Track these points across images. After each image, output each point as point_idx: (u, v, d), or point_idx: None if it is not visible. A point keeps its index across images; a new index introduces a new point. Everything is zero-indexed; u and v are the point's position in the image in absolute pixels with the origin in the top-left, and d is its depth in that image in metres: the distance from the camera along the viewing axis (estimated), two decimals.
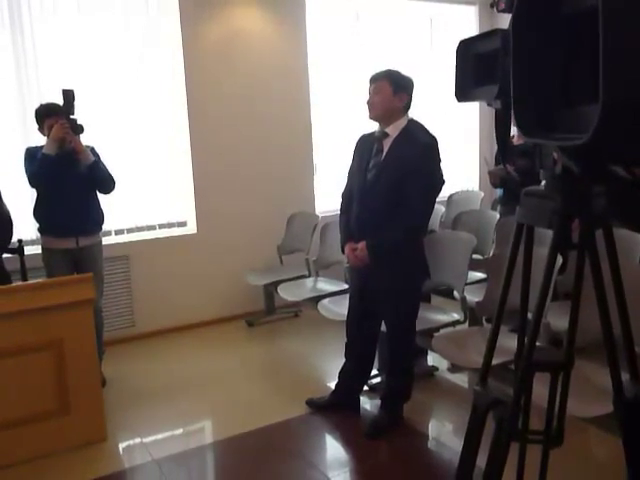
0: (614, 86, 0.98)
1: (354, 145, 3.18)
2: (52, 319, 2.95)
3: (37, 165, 3.45)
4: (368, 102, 2.97)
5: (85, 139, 3.57)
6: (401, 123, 2.96)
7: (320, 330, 4.52)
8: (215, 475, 3.02)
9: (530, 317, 1.51)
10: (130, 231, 4.71)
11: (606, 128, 1.00)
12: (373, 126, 3.08)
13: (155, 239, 4.77)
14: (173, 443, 3.17)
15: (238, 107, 4.94)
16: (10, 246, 3.61)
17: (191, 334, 4.75)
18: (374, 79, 2.97)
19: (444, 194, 4.64)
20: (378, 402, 3.27)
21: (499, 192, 4.58)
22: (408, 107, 2.99)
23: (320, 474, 2.81)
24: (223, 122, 4.90)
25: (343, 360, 3.36)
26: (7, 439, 2.89)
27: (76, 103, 3.44)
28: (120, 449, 3.14)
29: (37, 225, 3.69)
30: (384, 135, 2.98)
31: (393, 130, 2.96)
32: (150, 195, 4.73)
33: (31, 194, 3.70)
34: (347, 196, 3.17)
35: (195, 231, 4.91)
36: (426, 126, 3.00)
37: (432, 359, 3.86)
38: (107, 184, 3.65)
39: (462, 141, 6.29)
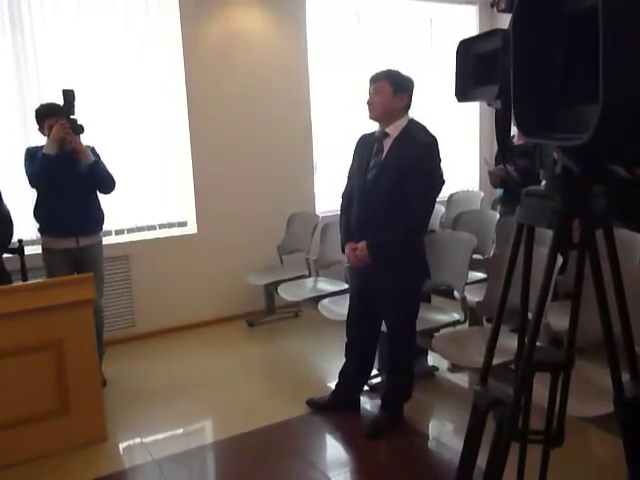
0: (614, 86, 0.98)
1: (354, 145, 3.18)
2: (52, 319, 2.95)
3: (37, 165, 3.45)
4: (368, 102, 2.97)
5: (85, 139, 3.57)
6: (401, 123, 2.96)
7: (320, 330, 4.52)
8: (215, 475, 3.02)
9: (530, 317, 1.51)
10: (130, 231, 4.71)
11: (606, 128, 1.00)
12: (373, 126, 3.08)
13: (155, 239, 4.77)
14: (173, 443, 3.17)
15: (238, 107, 4.94)
16: (10, 246, 3.61)
17: (191, 334, 4.76)
18: (374, 79, 2.97)
19: (444, 194, 4.64)
20: (378, 402, 3.27)
21: (499, 192, 4.57)
22: (408, 107, 2.99)
23: (320, 474, 2.81)
24: (223, 122, 4.90)
25: (343, 360, 3.36)
26: (7, 439, 2.89)
27: (76, 103, 3.44)
28: (120, 449, 3.14)
29: (37, 225, 3.69)
30: (384, 135, 2.98)
31: (393, 130, 2.96)
32: (150, 195, 4.73)
33: (31, 194, 3.70)
34: (347, 196, 3.17)
35: (195, 231, 4.91)
36: (426, 126, 3.00)
37: (432, 359, 3.86)
38: (107, 184, 3.65)
39: (462, 141, 6.29)
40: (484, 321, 3.55)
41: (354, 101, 4.72)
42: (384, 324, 3.18)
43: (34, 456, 2.92)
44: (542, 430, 1.68)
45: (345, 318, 3.35)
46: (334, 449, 3.16)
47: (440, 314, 3.59)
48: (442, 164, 2.98)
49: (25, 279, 3.66)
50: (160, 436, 3.24)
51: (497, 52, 1.38)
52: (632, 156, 1.16)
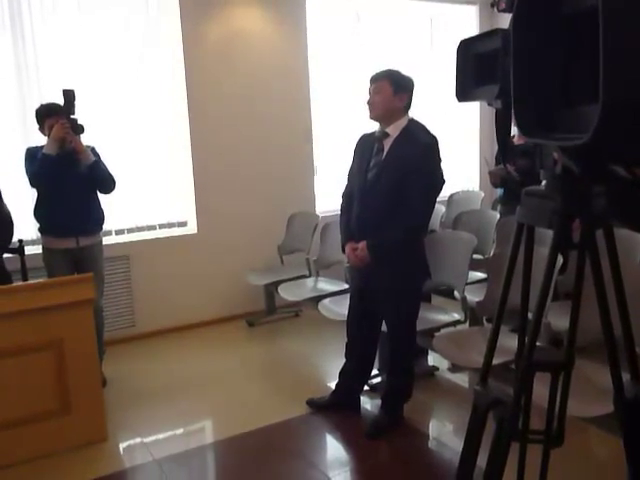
0: (614, 86, 0.98)
1: (354, 145, 3.18)
2: (52, 319, 2.95)
3: (37, 165, 3.45)
4: (368, 102, 2.97)
5: (85, 139, 3.57)
6: (401, 123, 2.96)
7: (320, 330, 4.52)
8: (216, 475, 3.02)
9: (530, 317, 1.51)
10: (130, 231, 4.71)
11: (606, 128, 1.00)
12: (373, 126, 3.08)
13: (155, 239, 4.77)
14: (174, 443, 3.17)
15: (238, 107, 4.94)
16: (11, 246, 3.61)
17: (192, 334, 4.76)
18: (374, 79, 2.97)
19: (444, 194, 4.63)
20: (378, 402, 3.27)
21: (499, 192, 4.57)
22: (408, 107, 2.99)
23: (320, 474, 2.81)
24: (223, 122, 4.90)
25: (344, 360, 3.36)
26: (7, 439, 2.89)
27: (76, 103, 3.44)
28: (121, 449, 3.14)
29: (37, 225, 3.69)
30: (384, 135, 2.98)
31: (393, 130, 2.96)
32: (150, 195, 4.73)
33: (32, 194, 3.70)
34: (347, 196, 3.17)
35: (195, 231, 4.91)
36: (426, 126, 3.00)
37: (432, 359, 3.86)
38: (107, 184, 3.65)
39: (462, 141, 6.29)
40: (484, 321, 3.55)
41: (354, 101, 4.72)
42: (384, 324, 3.18)
43: (34, 456, 2.92)
44: (542, 430, 1.68)
45: (345, 318, 3.35)
46: (334, 449, 3.16)
47: (440, 314, 3.59)
48: (442, 164, 2.98)
49: (25, 279, 3.66)
50: (160, 436, 3.24)
51: (497, 52, 1.38)
52: (632, 156, 1.16)
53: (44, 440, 2.97)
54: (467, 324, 3.47)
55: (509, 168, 3.02)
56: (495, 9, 1.50)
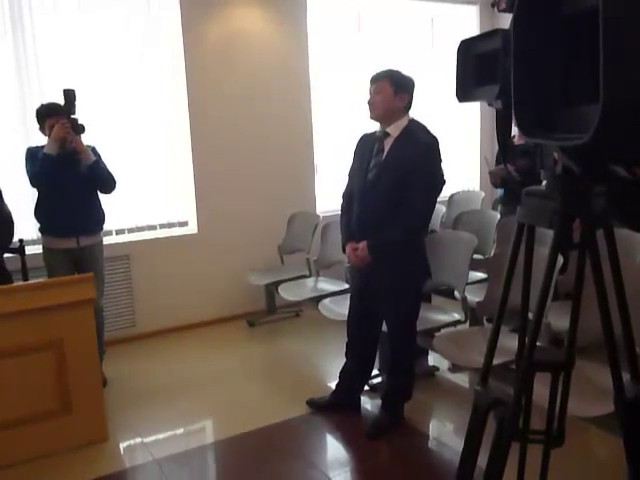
0: (614, 86, 0.98)
1: (355, 145, 3.18)
2: (53, 319, 2.95)
3: (38, 165, 3.45)
4: (369, 102, 2.97)
5: (86, 139, 3.57)
6: (402, 123, 2.96)
7: (321, 330, 4.52)
8: (216, 475, 3.02)
9: (531, 317, 1.51)
10: (131, 231, 4.71)
11: (606, 128, 1.00)
12: (374, 126, 3.08)
13: (156, 239, 4.78)
14: (174, 443, 3.17)
15: (239, 107, 4.95)
16: (11, 246, 3.61)
17: (192, 334, 4.76)
18: (375, 79, 2.97)
19: (445, 194, 4.64)
20: (379, 402, 3.27)
21: (500, 192, 4.57)
22: (409, 107, 2.99)
23: (321, 474, 2.81)
24: (224, 122, 4.90)
25: (344, 360, 3.36)
26: (8, 439, 2.89)
27: (77, 103, 3.44)
28: (121, 449, 3.14)
29: (38, 225, 3.69)
30: (385, 135, 2.98)
31: (394, 130, 2.96)
32: (151, 195, 4.73)
33: (32, 194, 3.71)
34: (348, 196, 3.17)
35: (196, 231, 4.91)
36: (427, 126, 3.00)
37: (433, 359, 3.86)
38: (108, 184, 3.65)
39: (463, 141, 6.29)
40: (485, 321, 3.54)
41: (355, 101, 4.72)
42: (385, 324, 3.18)
43: (34, 456, 2.93)
44: (543, 430, 1.68)
45: (346, 318, 3.35)
46: (334, 449, 3.16)
47: (441, 314, 3.59)
48: (443, 164, 2.98)
49: (26, 279, 3.66)
50: (161, 436, 3.24)
51: (498, 52, 1.38)
52: (632, 156, 1.16)
53: (44, 440, 2.97)
54: (467, 324, 3.47)
55: (509, 168, 3.02)
56: (495, 9, 1.50)
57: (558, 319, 2.82)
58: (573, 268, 1.53)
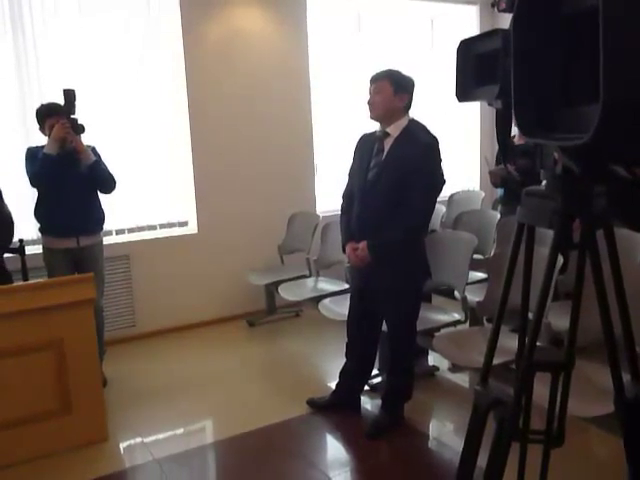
0: (614, 86, 0.98)
1: (355, 145, 3.18)
2: (53, 319, 2.95)
3: (38, 165, 3.45)
4: (369, 102, 2.97)
5: (86, 139, 3.57)
6: (402, 123, 2.96)
7: (321, 330, 4.52)
8: (216, 475, 3.02)
9: (531, 317, 1.51)
10: (131, 231, 4.71)
11: (606, 128, 1.00)
12: (374, 126, 3.08)
13: (156, 239, 4.78)
14: (174, 443, 3.17)
15: (239, 107, 4.95)
16: (11, 246, 3.61)
17: (192, 334, 4.76)
18: (375, 79, 2.97)
19: (445, 194, 4.64)
20: (379, 402, 3.27)
21: (500, 192, 4.57)
22: (409, 107, 2.99)
23: (321, 474, 2.81)
24: (224, 122, 4.90)
25: (344, 360, 3.36)
26: (8, 439, 2.89)
27: (77, 103, 3.44)
28: (121, 449, 3.14)
29: (38, 225, 3.69)
30: (385, 135, 2.98)
31: (394, 130, 2.96)
32: (151, 195, 4.73)
33: (32, 194, 3.71)
34: (348, 196, 3.17)
35: (196, 231, 4.91)
36: (427, 126, 3.00)
37: (433, 359, 3.86)
38: (108, 184, 3.65)
39: (463, 141, 6.29)
40: (485, 321, 3.54)
41: (355, 101, 4.73)
42: (385, 324, 3.18)
43: (35, 456, 2.93)
44: (543, 430, 1.68)
45: (346, 318, 3.35)
46: (334, 449, 3.16)
47: (441, 314, 3.59)
48: (443, 164, 2.98)
49: (26, 279, 3.66)
50: (161, 436, 3.24)
51: (498, 52, 1.38)
52: (632, 156, 1.16)
53: (44, 440, 2.97)
54: (467, 324, 3.47)
55: (509, 168, 3.01)
56: (495, 9, 1.50)
57: (558, 319, 2.82)
58: (573, 268, 1.53)
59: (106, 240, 4.04)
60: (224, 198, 4.95)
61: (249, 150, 5.03)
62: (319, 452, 3.10)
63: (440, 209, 5.07)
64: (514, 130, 1.42)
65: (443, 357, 3.37)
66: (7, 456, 2.87)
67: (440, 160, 2.96)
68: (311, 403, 3.38)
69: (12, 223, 3.51)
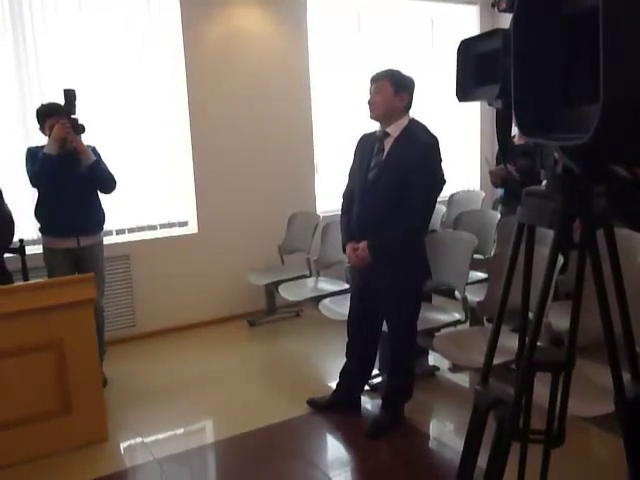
0: (615, 86, 0.98)
1: (355, 145, 3.18)
2: (53, 319, 2.95)
3: (38, 165, 3.45)
4: (369, 102, 2.97)
5: (86, 139, 3.58)
6: (402, 123, 2.96)
7: (321, 330, 4.52)
8: (216, 475, 3.02)
9: (531, 317, 1.51)
10: (131, 231, 4.72)
11: (607, 128, 1.00)
12: (374, 126, 3.08)
13: (156, 239, 4.78)
14: (174, 443, 3.17)
15: (239, 107, 4.95)
16: (11, 246, 3.62)
17: (192, 334, 4.76)
18: (375, 79, 2.97)
19: (445, 194, 4.64)
20: (379, 402, 3.27)
21: (500, 192, 4.57)
22: (409, 107, 2.99)
23: (321, 474, 2.81)
24: (224, 122, 4.90)
25: (344, 360, 3.36)
26: (8, 439, 2.89)
27: (77, 103, 3.44)
28: (121, 449, 3.14)
29: (38, 225, 3.69)
30: (385, 135, 2.98)
31: (394, 130, 2.95)
32: (151, 195, 4.73)
33: (32, 194, 3.71)
34: (348, 196, 3.17)
35: (196, 231, 4.91)
36: (427, 126, 3.00)
37: (433, 359, 3.86)
38: (108, 184, 3.65)
39: (463, 141, 6.29)
40: (485, 321, 3.54)
41: (355, 101, 4.73)
42: (385, 324, 3.18)
43: (35, 456, 2.93)
44: (543, 430, 1.68)
45: (346, 318, 3.35)
46: (335, 449, 3.16)
47: (441, 314, 3.59)
48: (443, 164, 2.98)
49: (26, 279, 3.66)
50: (161, 436, 3.25)
51: (498, 52, 1.38)
52: (632, 156, 1.16)
53: (44, 440, 2.97)
54: (468, 324, 3.47)
55: (510, 168, 3.02)
56: (496, 9, 1.50)
57: (558, 319, 2.82)
58: (573, 268, 1.53)
59: (106, 240, 4.04)
60: (224, 198, 4.95)
61: (249, 150, 5.03)
62: (319, 452, 3.10)
63: (440, 209, 5.07)
64: (514, 130, 1.42)
65: (443, 357, 3.37)
66: (7, 456, 2.87)
67: (440, 160, 2.96)
68: (311, 403, 3.38)
69: (12, 223, 3.51)
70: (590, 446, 2.98)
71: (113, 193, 3.72)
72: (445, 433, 3.24)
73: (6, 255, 3.57)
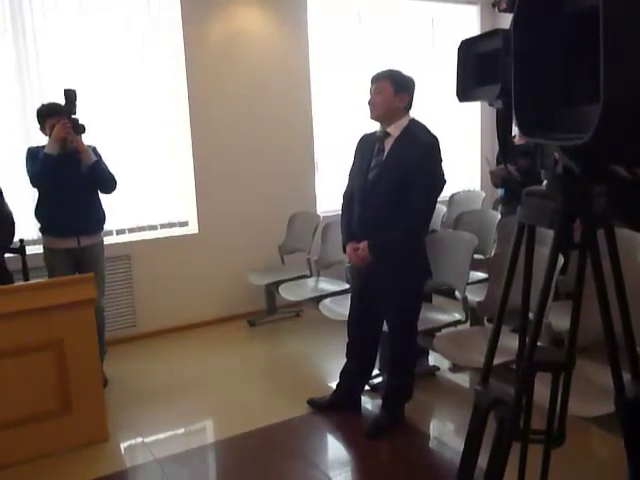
0: (615, 86, 0.98)
1: (355, 145, 3.18)
2: (53, 319, 2.95)
3: (39, 165, 3.45)
4: (369, 102, 2.97)
5: (87, 139, 3.58)
6: (402, 123, 2.96)
7: (321, 330, 4.52)
8: (216, 475, 3.02)
9: (531, 317, 1.51)
10: (132, 231, 4.72)
11: (607, 128, 1.00)
12: (374, 126, 3.08)
13: (156, 239, 4.78)
14: (174, 443, 3.17)
15: (239, 107, 4.95)
16: (12, 246, 3.62)
17: (192, 334, 4.76)
18: (375, 79, 2.97)
19: (445, 194, 4.63)
20: (379, 402, 3.27)
21: (500, 192, 4.57)
22: (409, 107, 2.99)
23: (321, 474, 2.81)
24: (224, 122, 4.90)
25: (344, 360, 3.36)
26: (8, 439, 2.89)
27: (78, 103, 3.44)
28: (122, 449, 3.14)
29: (39, 225, 3.69)
30: (385, 135, 2.98)
31: (394, 130, 2.95)
32: (151, 195, 4.73)
33: (33, 194, 3.71)
34: (348, 196, 3.17)
35: (196, 231, 4.92)
36: (427, 126, 3.00)
37: (433, 359, 3.86)
38: (109, 184, 3.65)
39: (463, 141, 6.29)
40: (485, 321, 3.54)
41: (355, 101, 4.72)
42: (385, 324, 3.18)
43: (35, 456, 2.92)
44: (543, 430, 1.68)
45: (346, 318, 3.35)
46: (335, 449, 3.17)
47: (441, 314, 3.59)
48: (443, 164, 2.98)
49: (26, 279, 3.66)
50: (161, 436, 3.25)
51: (498, 52, 1.38)
52: (633, 156, 1.16)
53: (45, 440, 2.97)
54: (468, 324, 3.47)
55: (510, 168, 3.02)
56: (496, 9, 1.50)
57: (559, 319, 2.82)
58: (574, 268, 1.52)
59: (107, 240, 4.04)
60: (225, 198, 4.95)
61: (250, 150, 5.03)
62: (319, 452, 3.10)
63: (441, 209, 5.07)
64: (515, 130, 1.42)
65: (444, 357, 3.37)
66: (7, 456, 2.87)
67: (441, 160, 2.96)
68: (311, 403, 3.38)
69: (13, 223, 3.51)
70: (590, 446, 2.97)
71: (114, 193, 3.72)
72: (445, 433, 3.24)
73: (7, 255, 3.57)
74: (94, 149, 3.64)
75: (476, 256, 3.68)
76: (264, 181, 5.11)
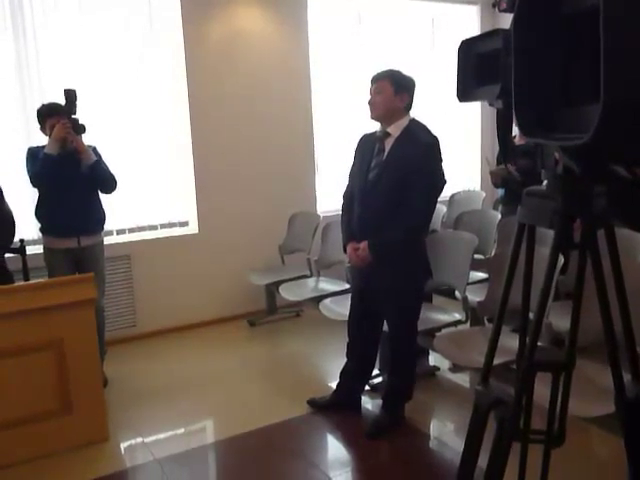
0: (615, 86, 0.98)
1: (356, 145, 3.18)
2: (53, 319, 2.95)
3: (39, 165, 3.45)
4: (369, 102, 2.97)
5: (87, 139, 3.58)
6: (402, 123, 2.96)
7: (321, 330, 4.52)
8: (217, 475, 3.02)
9: (532, 317, 1.51)
10: (132, 231, 4.72)
11: (607, 128, 1.00)
12: (375, 126, 3.08)
13: (157, 239, 4.78)
14: (175, 443, 3.17)
15: (240, 107, 4.95)
16: (12, 246, 3.62)
17: (192, 334, 4.76)
18: (375, 79, 2.97)
19: (446, 194, 4.64)
20: (379, 402, 3.27)
21: (500, 192, 4.57)
22: (409, 107, 2.99)
23: (321, 474, 2.81)
24: (225, 122, 4.90)
25: (344, 360, 3.36)
26: (8, 439, 2.89)
27: (78, 103, 3.44)
28: (122, 449, 3.14)
29: (39, 225, 3.69)
30: (386, 135, 2.98)
31: (395, 130, 2.95)
32: (152, 195, 4.73)
33: (33, 194, 3.71)
34: (348, 196, 3.17)
35: (197, 231, 4.92)
36: (428, 126, 3.00)
37: (433, 359, 3.86)
38: (109, 184, 3.65)
39: (463, 141, 6.29)
40: (485, 321, 3.54)
41: (355, 101, 4.72)
42: (385, 324, 3.18)
43: (35, 456, 2.92)
44: (543, 430, 1.68)
45: (346, 318, 3.35)
46: (335, 449, 3.16)
47: (441, 314, 3.59)
48: (443, 164, 2.98)
49: (27, 279, 3.66)
50: (161, 436, 3.25)
51: (498, 52, 1.38)
52: (633, 156, 1.16)
53: (45, 440, 2.97)
54: (468, 324, 3.47)
55: (510, 168, 3.02)
56: (496, 9, 1.50)
57: (559, 319, 2.82)
58: (574, 268, 1.52)
59: (107, 240, 4.04)
60: (225, 198, 4.95)
61: (250, 150, 5.03)
62: (320, 452, 3.10)
63: (441, 209, 5.07)
64: (515, 130, 1.42)
65: (444, 357, 3.37)
66: (7, 456, 2.87)
67: (441, 160, 2.96)
68: (312, 403, 3.38)
69: (13, 223, 3.51)
70: (591, 446, 2.97)
71: (114, 193, 3.72)
72: (445, 433, 3.24)
73: (7, 255, 3.57)
74: (94, 149, 3.64)
75: (476, 256, 3.68)
76: (264, 181, 5.11)
